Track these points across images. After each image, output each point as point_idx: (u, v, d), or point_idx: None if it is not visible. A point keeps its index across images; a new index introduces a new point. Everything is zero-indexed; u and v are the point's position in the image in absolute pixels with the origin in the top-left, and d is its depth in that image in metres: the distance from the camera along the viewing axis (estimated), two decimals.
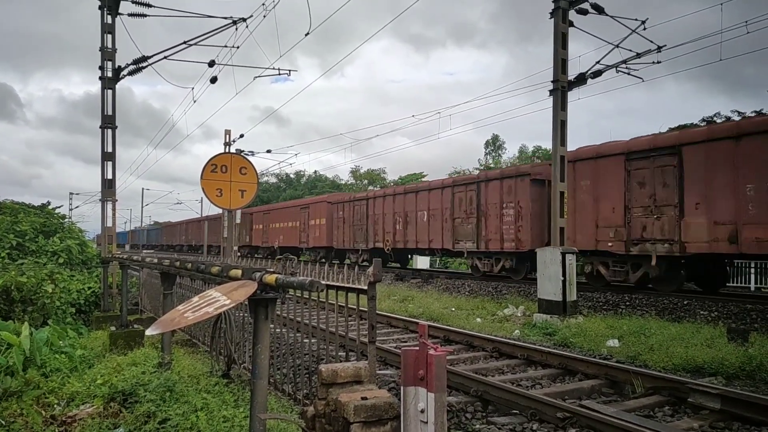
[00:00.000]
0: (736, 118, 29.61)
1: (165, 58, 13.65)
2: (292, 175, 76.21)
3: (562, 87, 11.99)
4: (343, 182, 72.30)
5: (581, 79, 12.79)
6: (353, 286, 4.79)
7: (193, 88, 18.41)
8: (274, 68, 18.09)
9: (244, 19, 13.66)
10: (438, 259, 28.96)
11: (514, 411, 5.49)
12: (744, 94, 73.40)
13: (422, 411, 2.74)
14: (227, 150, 26.20)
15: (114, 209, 13.54)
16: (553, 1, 11.93)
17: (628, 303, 12.64)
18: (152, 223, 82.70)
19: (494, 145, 59.76)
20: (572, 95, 12.48)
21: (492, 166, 52.72)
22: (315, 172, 75.01)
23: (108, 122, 13.23)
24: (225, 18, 13.65)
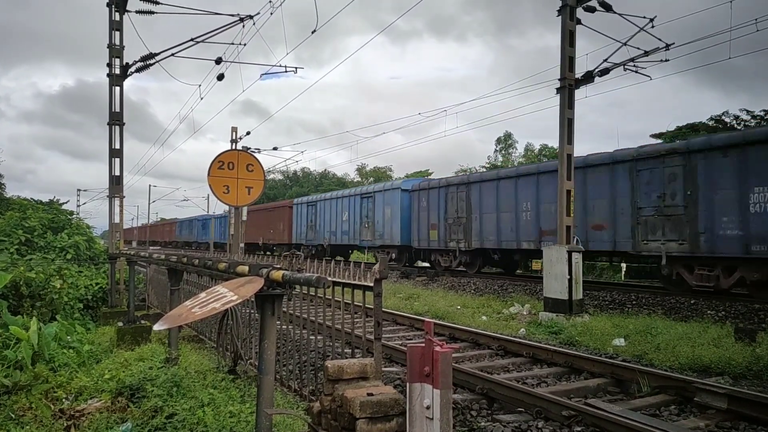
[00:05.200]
0: (745, 117, 29.38)
1: (172, 55, 13.71)
2: (298, 173, 76.31)
3: (569, 85, 11.94)
4: (349, 179, 72.35)
5: (589, 77, 12.72)
6: (359, 283, 4.80)
7: (200, 85, 18.47)
8: (280, 65, 18.22)
9: (251, 17, 13.68)
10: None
11: (520, 409, 5.49)
12: (736, 87, 72.68)
13: (428, 407, 2.75)
14: (234, 147, 26.26)
15: (121, 206, 13.62)
16: None
17: (634, 302, 12.60)
18: (159, 219, 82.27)
19: (505, 142, 59.48)
20: (579, 93, 12.42)
21: (500, 164, 52.55)
22: (324, 170, 75.15)
23: (116, 119, 13.29)
24: (232, 15, 13.69)
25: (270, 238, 36.45)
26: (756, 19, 11.72)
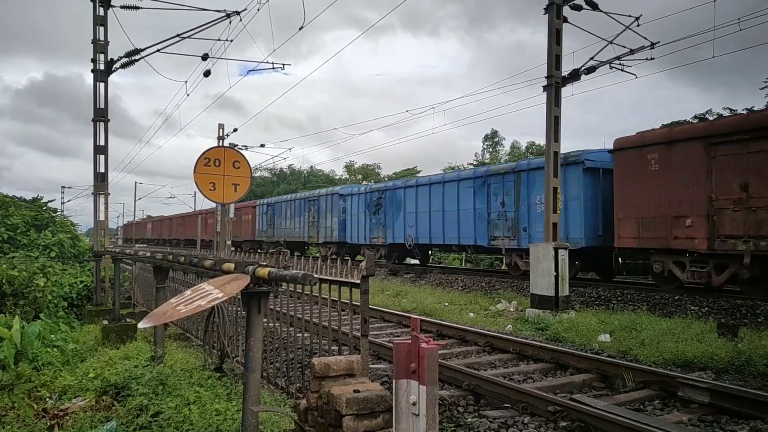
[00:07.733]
0: (728, 115, 29.74)
1: (158, 51, 13.55)
2: (285, 170, 75.93)
3: (555, 83, 12.01)
4: (338, 177, 72.19)
5: (575, 75, 12.81)
6: (346, 280, 4.79)
7: (186, 82, 18.30)
8: (268, 62, 18.13)
9: (238, 13, 13.57)
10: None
11: (506, 405, 5.53)
12: (715, 83, 73.73)
13: (414, 404, 2.76)
14: (221, 144, 26.09)
15: (107, 203, 13.46)
16: None
17: (619, 298, 12.72)
18: (145, 216, 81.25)
19: (492, 140, 59.67)
20: (565, 91, 12.49)
21: (488, 161, 52.71)
22: (311, 167, 74.87)
23: (100, 115, 13.11)
24: (219, 11, 13.57)
25: None
26: (739, 19, 11.87)
